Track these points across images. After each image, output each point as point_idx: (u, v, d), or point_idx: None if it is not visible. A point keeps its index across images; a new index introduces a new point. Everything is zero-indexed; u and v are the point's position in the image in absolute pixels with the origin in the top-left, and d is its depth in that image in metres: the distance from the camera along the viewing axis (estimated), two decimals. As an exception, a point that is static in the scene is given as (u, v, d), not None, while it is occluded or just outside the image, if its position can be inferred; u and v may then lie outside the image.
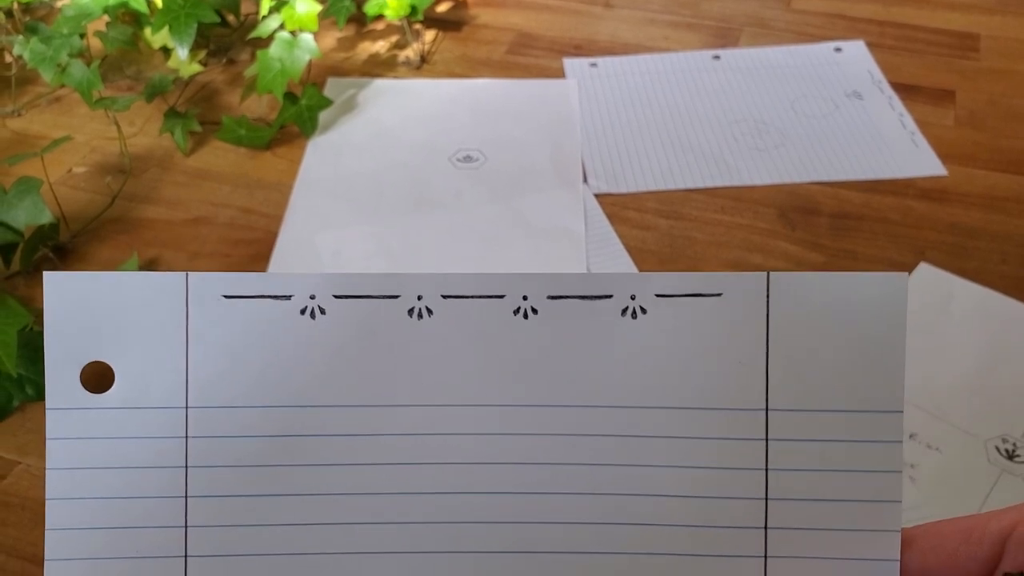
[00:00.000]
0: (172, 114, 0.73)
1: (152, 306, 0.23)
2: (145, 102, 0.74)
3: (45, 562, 0.23)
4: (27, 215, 0.60)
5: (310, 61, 0.74)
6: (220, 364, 0.23)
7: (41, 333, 0.55)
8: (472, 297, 0.23)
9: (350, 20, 0.83)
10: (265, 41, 0.75)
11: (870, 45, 0.84)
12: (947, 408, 0.52)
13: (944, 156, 0.71)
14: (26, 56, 0.71)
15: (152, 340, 0.23)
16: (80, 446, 0.23)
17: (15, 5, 0.78)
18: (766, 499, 0.23)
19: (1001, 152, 0.72)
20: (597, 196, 0.68)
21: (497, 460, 0.23)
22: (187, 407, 0.23)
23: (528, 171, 0.70)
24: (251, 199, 0.68)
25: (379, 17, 0.84)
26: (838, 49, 0.84)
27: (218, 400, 0.23)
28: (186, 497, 0.23)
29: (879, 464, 0.23)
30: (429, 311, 0.23)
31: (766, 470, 0.23)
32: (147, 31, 0.78)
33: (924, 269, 0.61)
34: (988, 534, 0.22)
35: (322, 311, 0.23)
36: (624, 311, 0.23)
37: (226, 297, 0.23)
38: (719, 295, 0.23)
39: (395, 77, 0.81)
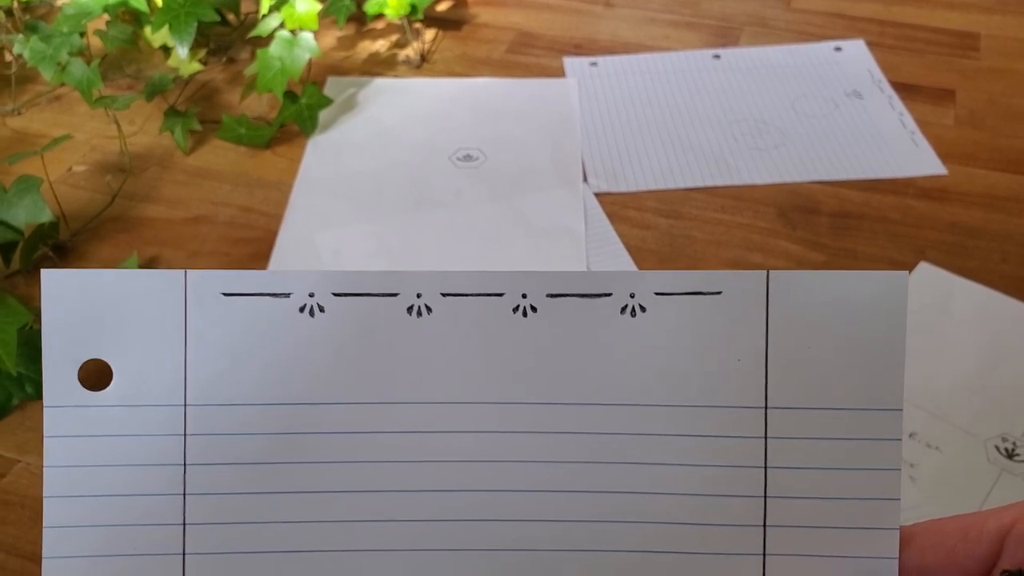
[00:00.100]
0: (172, 113, 0.73)
1: (150, 304, 0.23)
2: (145, 101, 0.74)
3: (43, 560, 0.23)
4: (27, 214, 0.60)
5: (310, 60, 0.74)
6: (219, 362, 0.23)
7: (40, 331, 0.55)
8: (471, 295, 0.23)
9: (350, 19, 0.83)
10: (265, 40, 0.75)
11: (870, 44, 0.84)
12: (947, 407, 0.52)
13: (944, 155, 0.71)
14: (26, 55, 0.71)
15: (151, 338, 0.23)
16: (78, 444, 0.23)
17: (15, 4, 0.78)
18: (765, 497, 0.23)
19: (1001, 151, 0.72)
20: (597, 195, 0.68)
21: (496, 458, 0.23)
22: (185, 405, 0.23)
23: (528, 170, 0.70)
24: (251, 198, 0.68)
25: (379, 16, 0.84)
26: (838, 48, 0.84)
27: (217, 398, 0.23)
28: (184, 495, 0.23)
29: (878, 462, 0.23)
30: (428, 309, 0.23)
31: (765, 468, 0.23)
32: (147, 30, 0.78)
33: (924, 268, 0.61)
34: (986, 532, 0.22)
35: (321, 309, 0.23)
36: (623, 309, 0.23)
37: (225, 295, 0.23)
38: (719, 293, 0.23)
39: (395, 76, 0.81)
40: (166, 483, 0.23)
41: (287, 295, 0.23)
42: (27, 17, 0.80)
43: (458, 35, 0.87)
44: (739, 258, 0.63)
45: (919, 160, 0.71)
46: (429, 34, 0.87)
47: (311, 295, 0.23)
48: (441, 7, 0.91)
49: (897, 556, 0.23)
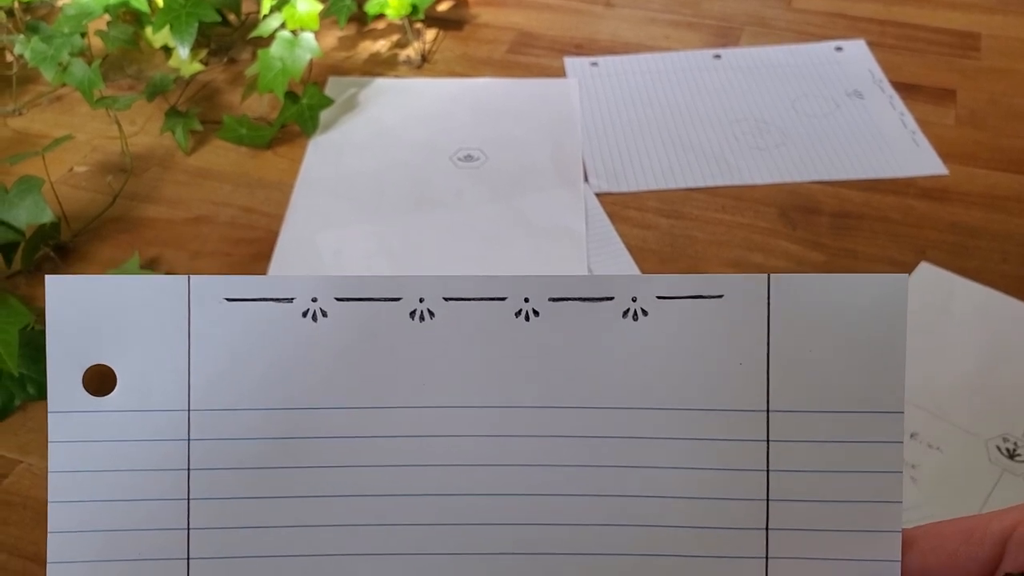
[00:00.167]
0: (173, 113, 0.73)
1: (154, 309, 0.23)
2: (146, 101, 0.74)
3: (48, 564, 0.23)
4: (28, 214, 0.60)
5: (311, 60, 0.74)
6: (222, 367, 0.23)
7: (42, 332, 0.55)
8: (474, 299, 0.23)
9: (351, 19, 0.83)
10: (266, 40, 0.75)
11: (871, 44, 0.84)
12: (948, 408, 0.52)
13: (945, 155, 0.71)
14: (27, 55, 0.71)
15: (154, 343, 0.23)
16: (82, 449, 0.23)
17: (16, 4, 0.78)
18: (767, 500, 0.23)
19: (1002, 151, 0.72)
20: (598, 195, 0.68)
21: (499, 462, 0.23)
22: (189, 410, 0.23)
23: (529, 170, 0.70)
24: (252, 198, 0.68)
25: (380, 16, 0.84)
26: (839, 48, 0.84)
27: (220, 403, 0.23)
28: (188, 499, 0.23)
29: (880, 465, 0.23)
30: (431, 313, 0.23)
31: (767, 471, 0.23)
32: (148, 30, 0.78)
33: (925, 268, 0.61)
34: (989, 534, 0.22)
35: (324, 314, 0.23)
36: (625, 313, 0.23)
37: (228, 300, 0.23)
38: (720, 297, 0.23)
39: (396, 76, 0.81)
40: (170, 488, 0.23)
41: (290, 300, 0.23)
42: (28, 17, 0.80)
43: (459, 35, 0.87)
44: (739, 258, 0.63)
45: (920, 160, 0.71)
46: (430, 34, 0.87)
47: (314, 300, 0.23)
48: (442, 7, 0.91)
49: (899, 559, 0.23)
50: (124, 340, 0.23)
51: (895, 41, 0.85)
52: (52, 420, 0.23)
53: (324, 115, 0.75)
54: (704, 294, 0.23)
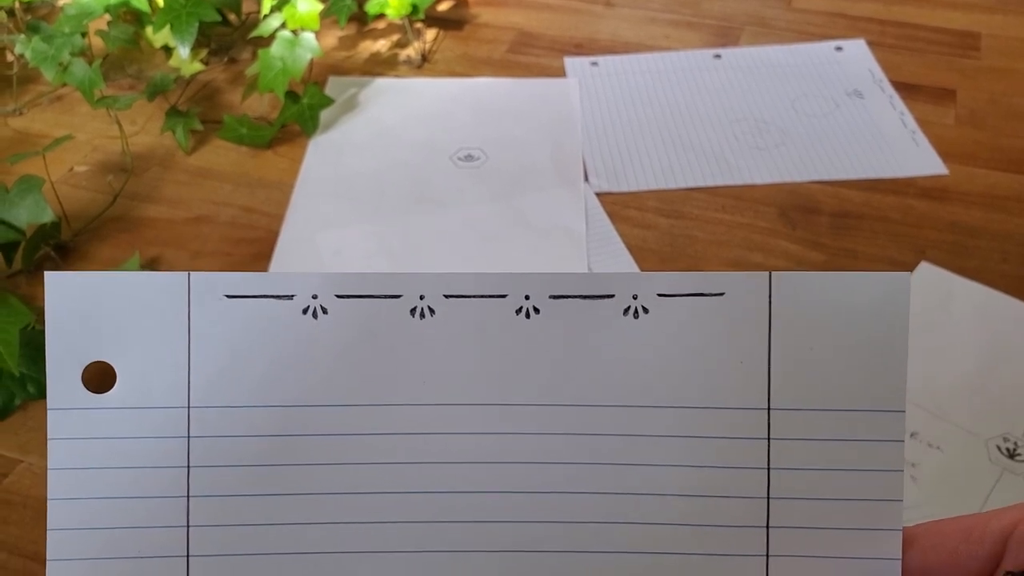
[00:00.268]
0: (173, 113, 0.73)
1: (154, 306, 0.23)
2: (147, 101, 0.74)
3: (47, 562, 0.23)
4: (29, 214, 0.60)
5: (311, 60, 0.74)
6: (222, 364, 0.23)
7: (43, 332, 0.55)
8: (474, 297, 0.23)
9: (351, 19, 0.83)
10: (266, 40, 0.75)
11: (871, 44, 0.84)
12: (948, 407, 0.52)
13: (945, 155, 0.71)
14: (28, 55, 0.71)
15: (154, 340, 0.23)
16: (82, 446, 0.23)
17: (17, 4, 0.78)
18: (768, 498, 0.23)
19: (1002, 151, 0.72)
20: (598, 195, 0.68)
21: (499, 459, 0.23)
22: (189, 407, 0.23)
23: (529, 170, 0.70)
24: (252, 198, 0.68)
25: (380, 16, 0.84)
26: (839, 48, 0.84)
27: (220, 400, 0.23)
28: (188, 497, 0.23)
29: (881, 463, 0.23)
30: (431, 311, 0.23)
31: (768, 469, 0.23)
32: (148, 30, 0.78)
33: (925, 268, 0.61)
34: (989, 533, 0.22)
35: (324, 311, 0.23)
36: (626, 311, 0.23)
37: (228, 297, 0.23)
38: (721, 295, 0.23)
39: (396, 76, 0.81)
40: (170, 485, 0.23)
41: (290, 297, 0.23)
42: (29, 17, 0.80)
43: (459, 35, 0.87)
44: (739, 258, 0.63)
45: (920, 160, 0.71)
46: (430, 34, 0.87)
47: (314, 297, 0.23)
48: (442, 7, 0.91)
49: (900, 557, 0.23)
50: (124, 337, 0.23)
51: (895, 41, 0.85)
52: (51, 417, 0.23)
53: (324, 115, 0.75)
54: (705, 292, 0.23)
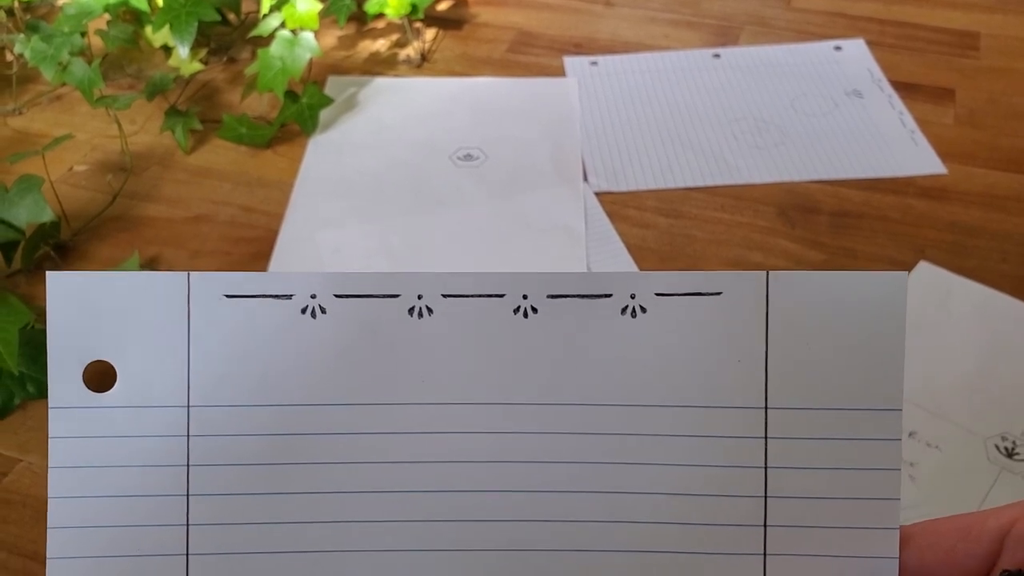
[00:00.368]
0: (173, 112, 0.73)
1: (154, 305, 0.23)
2: (146, 100, 0.74)
3: (47, 560, 0.23)
4: (28, 213, 0.60)
5: (311, 59, 0.74)
6: (221, 363, 0.23)
7: (43, 331, 0.55)
8: (472, 296, 0.23)
9: (351, 18, 0.83)
10: (266, 39, 0.75)
11: (870, 44, 0.85)
12: (947, 406, 0.52)
13: (944, 154, 0.71)
14: (27, 54, 0.71)
15: (154, 339, 0.23)
16: (82, 445, 0.23)
17: (16, 3, 0.78)
18: (765, 497, 0.23)
19: (1001, 151, 0.72)
20: (597, 194, 0.68)
21: (497, 458, 0.23)
22: (189, 406, 0.23)
23: (528, 169, 0.70)
24: (252, 197, 0.68)
25: (380, 15, 0.84)
26: (838, 48, 0.84)
27: (220, 399, 0.23)
28: (188, 496, 0.23)
29: (878, 462, 0.23)
30: (429, 310, 0.23)
31: (765, 468, 0.23)
32: (148, 29, 0.78)
33: (924, 267, 0.61)
34: (986, 531, 0.22)
35: (323, 310, 0.23)
36: (624, 310, 0.23)
37: (227, 296, 0.23)
38: (719, 294, 0.23)
39: (396, 75, 0.81)
40: (170, 484, 0.23)
41: (289, 297, 0.23)
42: (28, 17, 0.80)
43: (458, 34, 0.87)
44: (739, 257, 0.63)
45: (919, 159, 0.71)
46: (429, 33, 0.87)
47: (313, 296, 0.23)
48: (441, 7, 0.91)
49: (897, 556, 0.23)
50: (124, 336, 0.23)
51: (894, 40, 0.86)
52: (52, 416, 0.23)
53: (324, 114, 0.75)
54: (703, 291, 0.23)
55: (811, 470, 0.23)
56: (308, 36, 0.74)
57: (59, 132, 0.71)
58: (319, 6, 0.76)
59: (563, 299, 0.23)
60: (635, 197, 0.68)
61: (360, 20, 0.87)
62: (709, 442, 0.23)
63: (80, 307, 0.23)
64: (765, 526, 0.23)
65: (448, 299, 0.23)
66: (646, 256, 0.63)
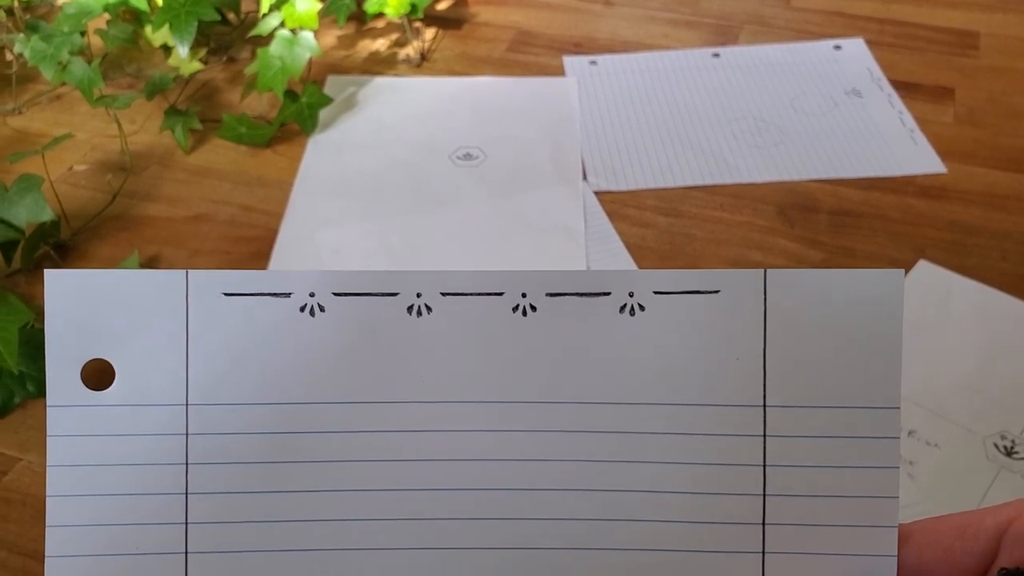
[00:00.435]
0: (173, 112, 0.73)
1: (153, 304, 0.23)
2: (146, 100, 0.74)
3: (46, 559, 0.23)
4: (28, 213, 0.60)
5: (310, 59, 0.74)
6: (220, 361, 0.23)
7: (42, 330, 0.55)
8: (471, 294, 0.23)
9: (350, 18, 0.83)
10: (265, 39, 0.75)
11: (870, 43, 0.85)
12: (946, 405, 0.52)
13: (943, 154, 0.71)
14: (27, 54, 0.71)
15: (152, 337, 0.23)
16: (81, 443, 0.23)
17: (16, 3, 0.78)
18: (764, 495, 0.23)
19: (1001, 150, 0.72)
20: (597, 193, 0.68)
21: (496, 457, 0.23)
22: (187, 404, 0.23)
23: (528, 169, 0.70)
24: (251, 197, 0.68)
25: (379, 15, 0.84)
26: (838, 47, 0.84)
27: (218, 397, 0.23)
28: (186, 494, 0.23)
29: (877, 460, 0.23)
30: (428, 308, 0.23)
31: (764, 466, 0.23)
32: (148, 29, 0.78)
33: (923, 267, 0.61)
34: (984, 530, 0.22)
35: (322, 308, 0.23)
36: (622, 308, 0.23)
37: (226, 295, 0.23)
38: (717, 292, 0.23)
39: (395, 75, 0.81)
40: (168, 482, 0.23)
41: (288, 295, 0.23)
42: (28, 16, 0.80)
43: (458, 34, 0.87)
44: (738, 256, 0.63)
45: (918, 158, 0.71)
46: (429, 33, 0.87)
47: (312, 295, 0.23)
48: (441, 6, 0.91)
49: (896, 554, 0.23)
50: (123, 334, 0.23)
51: (894, 39, 0.86)
52: (51, 414, 0.23)
53: (323, 114, 0.75)
54: (701, 289, 0.23)
55: (810, 468, 0.23)
56: (308, 35, 0.74)
57: (59, 131, 0.71)
58: (318, 5, 0.76)
59: (562, 297, 0.23)
60: (635, 196, 0.68)
61: (360, 19, 0.87)
62: (707, 440, 0.23)
63: (79, 305, 0.23)
64: (763, 524, 0.23)
65: (447, 297, 0.23)
66: (646, 255, 0.63)
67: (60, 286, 0.23)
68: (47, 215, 0.60)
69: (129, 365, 0.23)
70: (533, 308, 0.23)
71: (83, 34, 0.74)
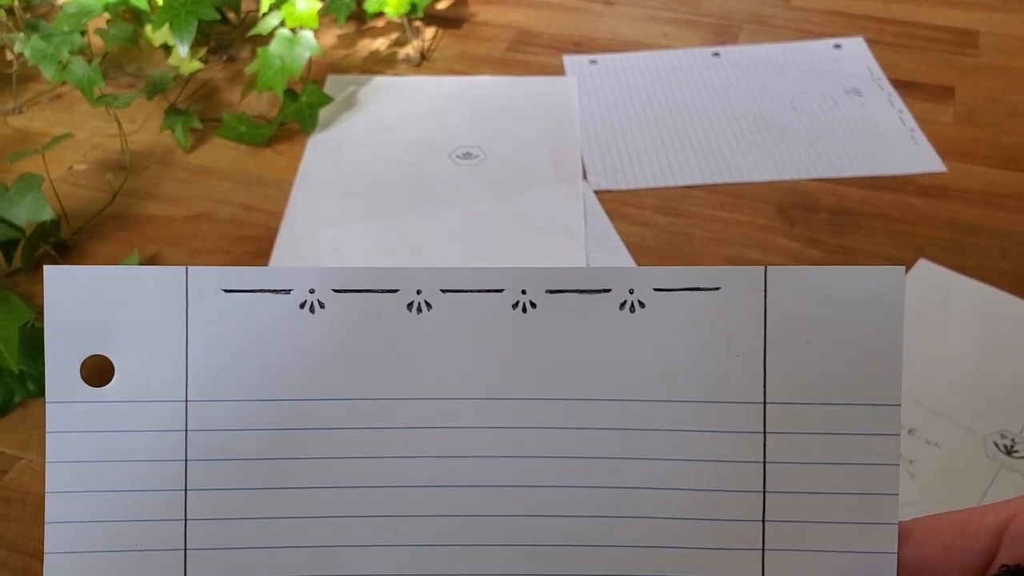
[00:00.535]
0: (173, 111, 0.73)
1: (152, 300, 0.23)
2: (146, 99, 0.74)
3: (45, 555, 0.23)
4: (28, 212, 0.60)
5: (310, 58, 0.74)
6: (220, 358, 0.23)
7: (42, 329, 0.55)
8: (471, 291, 0.23)
9: (350, 17, 0.83)
10: (265, 38, 0.75)
11: (869, 42, 0.85)
12: (946, 404, 0.52)
13: (943, 152, 0.71)
14: (27, 53, 0.71)
15: (152, 334, 0.23)
16: (80, 439, 0.23)
17: (16, 2, 0.78)
18: (764, 492, 0.23)
19: (1000, 148, 0.72)
20: (597, 193, 0.68)
21: (496, 454, 0.23)
22: (187, 401, 0.23)
23: (528, 168, 0.70)
24: (252, 196, 0.68)
25: (379, 14, 0.84)
26: (837, 46, 0.84)
27: (218, 394, 0.23)
28: (186, 490, 0.23)
29: (877, 457, 0.23)
30: (428, 305, 0.23)
31: (764, 463, 0.23)
32: (148, 28, 0.78)
33: (923, 266, 0.61)
34: (984, 527, 0.22)
35: (321, 305, 0.23)
36: (622, 305, 0.23)
37: (226, 291, 0.23)
38: (717, 289, 0.23)
39: (395, 74, 0.81)
40: (167, 479, 0.23)
41: (287, 291, 0.23)
42: (28, 16, 0.80)
43: (458, 33, 0.87)
44: (738, 255, 0.63)
45: (918, 157, 0.71)
46: (429, 32, 0.87)
47: (311, 291, 0.23)
48: (441, 5, 0.91)
49: (896, 551, 0.23)
50: (122, 331, 0.23)
51: (894, 39, 0.86)
52: (50, 411, 0.23)
53: (323, 113, 0.75)
54: (701, 286, 0.23)
55: (810, 465, 0.23)
56: (307, 35, 0.74)
57: (59, 131, 0.71)
58: (318, 5, 0.76)
59: (562, 294, 0.23)
60: (634, 195, 0.68)
61: (359, 19, 0.87)
62: (707, 437, 0.23)
63: (78, 301, 0.23)
64: (763, 521, 0.23)
65: (447, 294, 0.23)
66: (645, 254, 0.63)
67: (60, 282, 0.23)
68: (47, 214, 0.60)
69: (128, 361, 0.23)
70: (533, 305, 0.23)
71: (83, 33, 0.74)
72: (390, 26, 0.87)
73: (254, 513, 0.23)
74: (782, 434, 0.23)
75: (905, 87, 0.79)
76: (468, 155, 0.72)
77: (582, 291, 0.23)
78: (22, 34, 0.74)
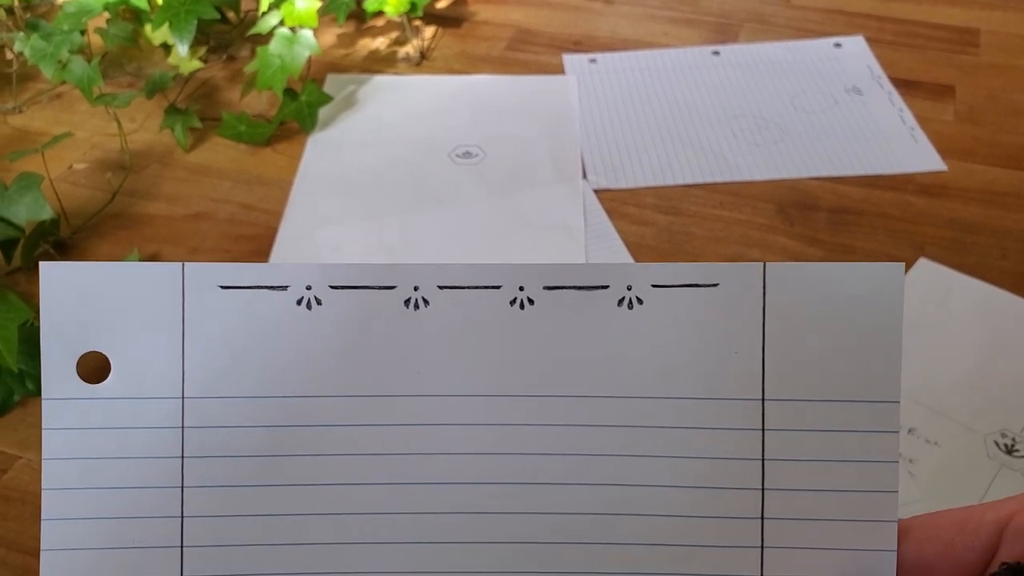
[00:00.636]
0: (172, 110, 0.73)
1: (149, 296, 0.23)
2: (145, 98, 0.74)
3: (42, 552, 0.23)
4: (28, 211, 0.60)
5: (310, 57, 0.74)
6: (216, 355, 0.23)
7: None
8: (469, 288, 0.23)
9: (350, 16, 0.83)
10: (265, 37, 0.75)
11: (870, 40, 0.84)
12: (946, 403, 0.52)
13: (943, 151, 0.71)
14: (27, 53, 0.71)
15: (149, 330, 0.23)
16: (76, 436, 0.23)
17: (16, 2, 0.78)
18: (763, 489, 0.23)
19: (1001, 147, 0.72)
20: (596, 191, 0.68)
21: (493, 451, 0.23)
22: (183, 397, 0.23)
23: (527, 167, 0.70)
24: (251, 195, 0.68)
25: (379, 13, 0.84)
26: (838, 45, 0.84)
27: (214, 390, 0.23)
28: (182, 487, 0.23)
29: (876, 454, 0.23)
30: (425, 301, 0.23)
31: (763, 460, 0.23)
32: (147, 28, 0.78)
33: (923, 264, 0.61)
34: (984, 524, 0.22)
35: (318, 301, 0.23)
36: (620, 301, 0.23)
37: (222, 288, 0.23)
38: (715, 286, 0.23)
39: (395, 73, 0.81)
40: (164, 476, 0.23)
41: (284, 288, 0.23)
42: (28, 15, 0.80)
43: (457, 32, 0.87)
44: (737, 254, 0.63)
45: (918, 156, 0.71)
46: (429, 31, 0.87)
47: (308, 288, 0.23)
48: (441, 4, 0.91)
49: (895, 548, 0.23)
50: (119, 327, 0.23)
51: (894, 37, 0.85)
52: (46, 407, 0.23)
53: (323, 112, 0.75)
54: (700, 282, 0.23)
55: (809, 462, 0.23)
56: (307, 34, 0.74)
57: (59, 130, 0.71)
58: (318, 4, 0.76)
59: (560, 290, 0.23)
60: (634, 194, 0.68)
61: (359, 18, 0.87)
62: (706, 434, 0.23)
63: (74, 298, 0.23)
64: (762, 518, 0.23)
65: (445, 291, 0.23)
66: (645, 253, 0.63)
67: (56, 278, 0.23)
68: (47, 213, 0.60)
69: (125, 358, 0.23)
70: (531, 301, 0.23)
71: (83, 33, 0.73)
72: (390, 25, 0.87)
73: (251, 510, 0.23)
74: (781, 431, 0.23)
75: (905, 86, 0.78)
76: (468, 154, 0.72)
77: (580, 287, 0.23)
78: (22, 33, 0.74)
